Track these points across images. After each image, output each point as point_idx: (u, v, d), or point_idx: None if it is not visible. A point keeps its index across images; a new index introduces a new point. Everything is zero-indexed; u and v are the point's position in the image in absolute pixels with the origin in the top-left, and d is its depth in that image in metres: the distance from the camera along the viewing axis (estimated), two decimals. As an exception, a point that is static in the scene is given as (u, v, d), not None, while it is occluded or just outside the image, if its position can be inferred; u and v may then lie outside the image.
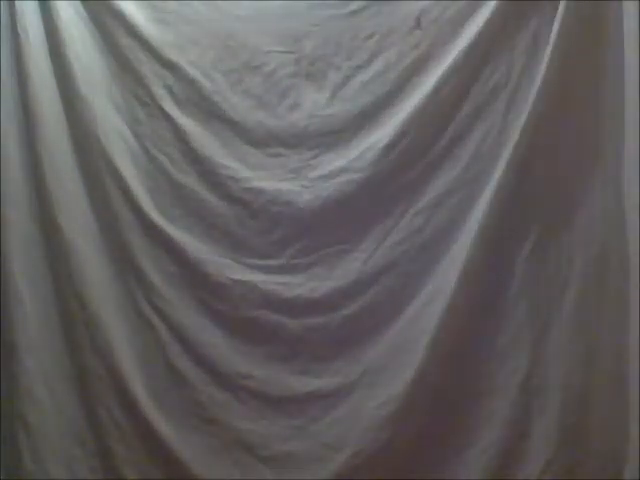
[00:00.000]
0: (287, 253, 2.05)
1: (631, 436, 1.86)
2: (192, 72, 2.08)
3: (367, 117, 2.03)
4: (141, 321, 2.07)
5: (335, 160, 2.04)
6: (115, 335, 2.05)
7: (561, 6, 1.89)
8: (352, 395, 1.99)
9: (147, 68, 2.09)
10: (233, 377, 2.04)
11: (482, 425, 1.93)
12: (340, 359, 2.02)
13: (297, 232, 2.05)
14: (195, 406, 2.04)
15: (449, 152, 1.99)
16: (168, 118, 2.09)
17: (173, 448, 2.00)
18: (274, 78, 2.08)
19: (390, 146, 2.00)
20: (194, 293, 2.07)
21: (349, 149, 2.03)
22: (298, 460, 2.00)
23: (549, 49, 1.89)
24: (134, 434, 2.03)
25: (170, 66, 2.09)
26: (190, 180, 2.09)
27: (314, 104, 2.06)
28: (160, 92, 2.09)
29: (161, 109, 2.09)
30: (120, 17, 2.08)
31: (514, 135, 1.91)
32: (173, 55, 2.09)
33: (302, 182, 2.05)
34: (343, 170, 2.03)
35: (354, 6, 2.04)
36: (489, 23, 1.94)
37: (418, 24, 2.01)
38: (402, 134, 1.99)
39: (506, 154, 1.92)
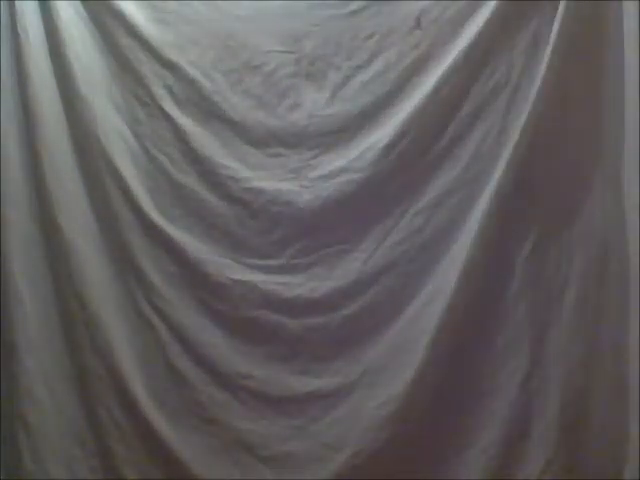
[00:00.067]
0: (287, 253, 2.05)
1: (631, 436, 1.86)
2: (192, 72, 2.08)
3: (367, 117, 2.03)
4: (141, 321, 2.07)
5: (335, 160, 2.04)
6: (115, 335, 2.05)
7: (561, 6, 1.89)
8: (352, 395, 1.99)
9: (147, 68, 2.09)
10: (233, 377, 2.04)
11: (482, 425, 1.93)
12: (340, 359, 2.02)
13: (297, 232, 2.05)
14: (195, 406, 2.04)
15: (449, 152, 1.99)
16: (168, 118, 2.09)
17: (173, 448, 2.00)
18: (274, 78, 2.08)
19: (390, 146, 2.00)
20: (194, 293, 2.07)
21: (349, 149, 2.03)
22: (298, 460, 2.00)
23: (549, 49, 1.89)
24: (134, 434, 2.03)
25: (170, 66, 2.09)
26: (190, 180, 2.09)
27: (314, 104, 2.06)
28: (160, 92, 2.09)
29: (161, 109, 2.09)
30: (120, 17, 2.08)
31: (514, 135, 1.91)
32: (173, 55, 2.09)
33: (302, 182, 2.05)
34: (343, 170, 2.03)
35: (354, 6, 2.04)
36: (489, 23, 1.94)
37: (418, 24, 2.01)
38: (402, 134, 1.99)
39: (506, 154, 1.92)
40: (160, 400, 2.04)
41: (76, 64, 2.06)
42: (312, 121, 2.06)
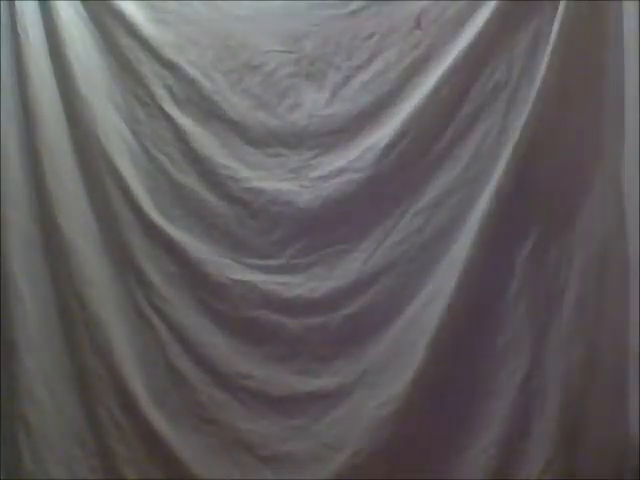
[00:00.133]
0: (287, 253, 2.05)
1: (631, 436, 1.86)
2: (192, 72, 2.08)
3: (367, 117, 2.03)
4: (141, 321, 2.07)
5: (335, 160, 2.04)
6: (115, 335, 2.05)
7: (561, 6, 1.89)
8: (352, 395, 1.99)
9: (147, 68, 2.09)
10: (233, 377, 2.04)
11: (482, 425, 1.93)
12: (340, 359, 2.02)
13: (297, 232, 2.05)
14: (195, 406, 2.04)
15: (449, 152, 1.99)
16: (168, 118, 2.09)
17: (173, 448, 2.00)
18: (274, 78, 2.08)
19: (390, 146, 2.00)
20: (194, 293, 2.07)
21: (349, 149, 2.03)
22: (298, 460, 2.00)
23: (549, 49, 1.89)
24: (134, 434, 2.03)
25: (170, 66, 2.09)
26: (190, 180, 2.09)
27: (314, 104, 2.06)
28: (160, 92, 2.09)
29: (161, 109, 2.09)
30: (120, 17, 2.08)
31: (514, 135, 1.92)
32: (173, 55, 2.09)
33: (302, 182, 2.05)
34: (343, 170, 2.03)
35: (354, 6, 2.04)
36: (489, 23, 1.94)
37: (418, 24, 2.01)
38: (402, 134, 1.99)
39: (506, 154, 1.92)
40: (160, 400, 2.04)
41: (76, 64, 2.06)
42: (312, 121, 2.06)
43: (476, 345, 1.95)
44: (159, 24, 2.09)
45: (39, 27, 2.05)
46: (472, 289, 1.92)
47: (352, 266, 2.02)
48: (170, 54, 2.09)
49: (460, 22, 1.97)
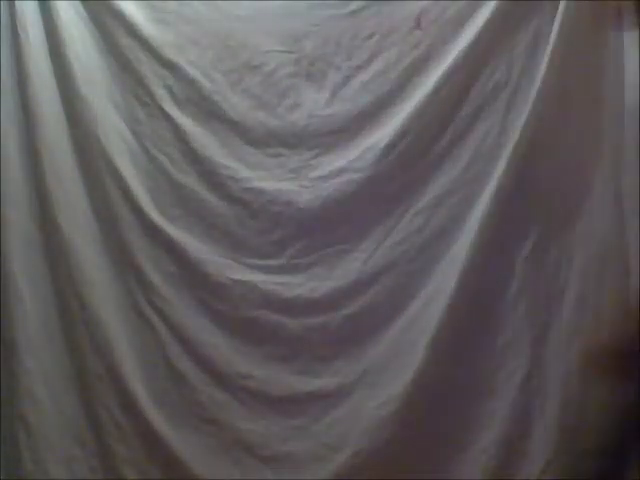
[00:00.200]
0: (287, 253, 2.05)
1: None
2: (192, 72, 2.08)
3: (367, 117, 2.03)
4: (141, 321, 2.07)
5: (335, 160, 2.04)
6: (115, 335, 2.05)
7: (561, 6, 1.89)
8: (352, 395, 1.99)
9: (147, 68, 2.09)
10: (233, 377, 2.04)
11: (482, 425, 1.93)
12: (340, 359, 2.02)
13: (297, 232, 2.05)
14: (195, 406, 2.04)
15: (449, 152, 1.99)
16: (168, 118, 2.08)
17: (173, 448, 2.00)
18: (274, 78, 2.08)
19: (390, 146, 2.00)
20: (194, 293, 2.07)
21: (349, 149, 2.03)
22: (298, 460, 2.00)
23: (549, 49, 1.89)
24: (134, 434, 2.03)
25: (170, 66, 2.08)
26: (190, 180, 2.09)
27: (314, 104, 2.06)
28: (160, 92, 2.09)
29: (161, 109, 2.09)
30: (120, 17, 2.08)
31: (514, 135, 1.92)
32: (173, 55, 2.09)
33: (302, 182, 2.05)
34: (343, 170, 2.03)
35: (354, 6, 2.04)
36: (489, 23, 1.94)
37: (418, 24, 2.01)
38: (402, 134, 1.99)
39: (506, 154, 1.92)
40: (160, 400, 2.04)
41: (76, 64, 2.06)
42: (312, 121, 2.06)
43: (476, 345, 1.95)
44: (159, 24, 2.09)
45: (39, 27, 2.05)
46: (472, 289, 1.93)
47: (352, 266, 2.02)
48: (170, 54, 2.09)
49: (460, 22, 1.97)
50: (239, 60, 2.09)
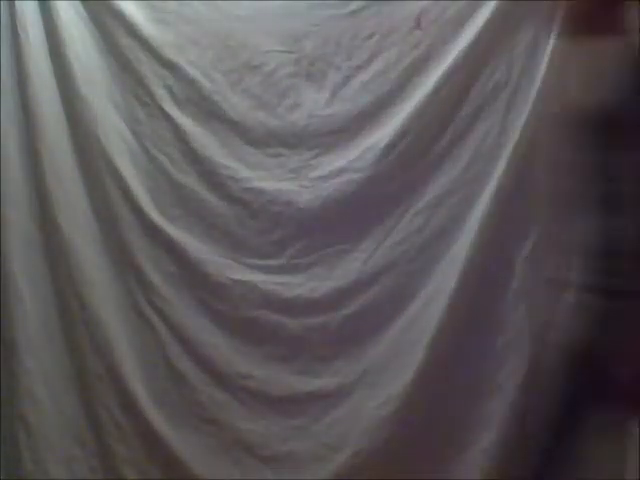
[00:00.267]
0: (287, 253, 2.05)
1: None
2: (192, 72, 2.08)
3: (367, 117, 2.03)
4: (141, 321, 2.07)
5: (335, 160, 2.04)
6: (115, 335, 2.05)
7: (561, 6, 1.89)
8: (352, 395, 2.00)
9: (147, 68, 2.09)
10: (233, 377, 2.04)
11: (482, 425, 1.93)
12: (340, 359, 2.02)
13: (297, 232, 2.05)
14: (195, 406, 2.04)
15: (449, 152, 1.99)
16: (168, 118, 2.09)
17: (173, 448, 2.01)
18: (274, 78, 2.08)
19: (390, 146, 2.00)
20: (194, 293, 2.07)
21: (349, 149, 2.03)
22: (298, 460, 2.00)
23: (549, 49, 1.89)
24: (134, 434, 2.03)
25: (170, 66, 2.09)
26: (190, 180, 2.09)
27: (314, 104, 2.06)
28: (160, 92, 2.09)
29: (161, 109, 2.09)
30: (120, 17, 2.08)
31: (514, 135, 1.92)
32: (173, 55, 2.09)
33: (302, 182, 2.05)
34: (343, 170, 2.03)
35: (354, 6, 2.04)
36: (489, 23, 1.94)
37: (418, 24, 2.01)
38: (402, 134, 1.99)
39: (506, 154, 1.92)
40: (160, 400, 2.04)
41: (76, 64, 2.06)
42: (312, 121, 2.06)
43: (476, 345, 1.95)
44: (159, 24, 2.09)
45: (39, 27, 2.06)
46: (472, 289, 1.92)
47: (352, 266, 2.02)
48: (170, 54, 2.09)
49: (460, 22, 1.97)
50: (239, 60, 2.09)
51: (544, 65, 1.89)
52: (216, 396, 2.04)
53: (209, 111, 2.09)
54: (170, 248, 2.07)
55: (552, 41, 1.89)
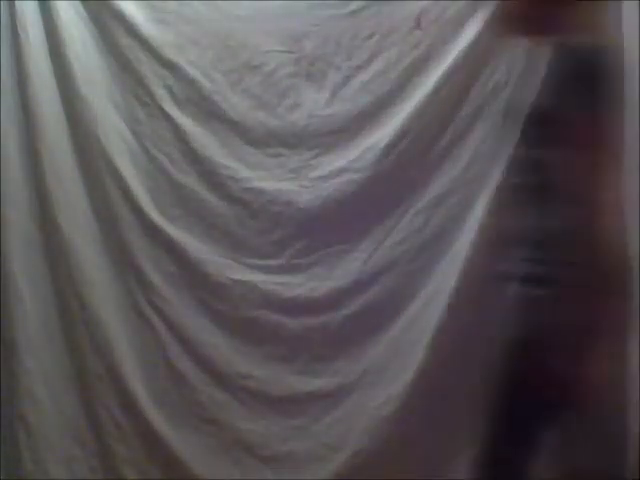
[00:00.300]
0: (287, 253, 2.05)
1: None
2: (192, 72, 2.08)
3: (367, 117, 2.03)
4: (141, 321, 2.07)
5: (335, 160, 2.04)
6: (115, 335, 2.05)
7: (561, 6, 1.89)
8: (352, 395, 2.00)
9: (147, 68, 2.09)
10: (233, 377, 2.04)
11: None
12: (340, 359, 2.02)
13: (297, 232, 2.05)
14: (195, 406, 2.04)
15: (449, 152, 1.99)
16: (168, 118, 2.09)
17: (173, 448, 2.01)
18: (274, 78, 2.08)
19: (390, 146, 2.00)
20: (194, 293, 2.07)
21: (349, 149, 2.03)
22: (298, 460, 2.00)
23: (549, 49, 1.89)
24: (134, 434, 2.03)
25: (170, 66, 2.08)
26: (190, 180, 2.09)
27: (314, 104, 2.06)
28: (160, 92, 2.09)
29: (161, 109, 2.09)
30: (120, 17, 2.08)
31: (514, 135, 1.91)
32: (173, 55, 2.09)
33: (302, 182, 2.05)
34: (343, 170, 2.03)
35: (354, 6, 2.04)
36: (489, 23, 1.94)
37: (418, 24, 2.01)
38: (402, 134, 1.99)
39: (506, 154, 1.92)
40: (160, 400, 2.04)
41: (76, 64, 2.06)
42: (312, 121, 2.06)
43: (476, 345, 1.94)
44: (159, 24, 2.09)
45: (39, 27, 2.06)
46: (472, 289, 1.92)
47: (352, 266, 2.02)
48: (170, 54, 2.09)
49: (460, 22, 1.97)
50: (239, 60, 2.09)
51: (544, 65, 1.89)
52: (216, 396, 2.04)
53: (209, 111, 2.09)
54: (170, 248, 2.07)
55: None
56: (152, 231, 2.07)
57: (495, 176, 1.92)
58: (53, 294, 2.08)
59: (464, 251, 1.92)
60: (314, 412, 2.01)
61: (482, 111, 1.97)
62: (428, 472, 1.95)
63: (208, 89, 2.08)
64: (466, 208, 1.96)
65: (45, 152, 2.05)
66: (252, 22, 2.09)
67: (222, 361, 2.04)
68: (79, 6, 2.09)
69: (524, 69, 1.94)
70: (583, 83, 1.30)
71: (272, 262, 2.06)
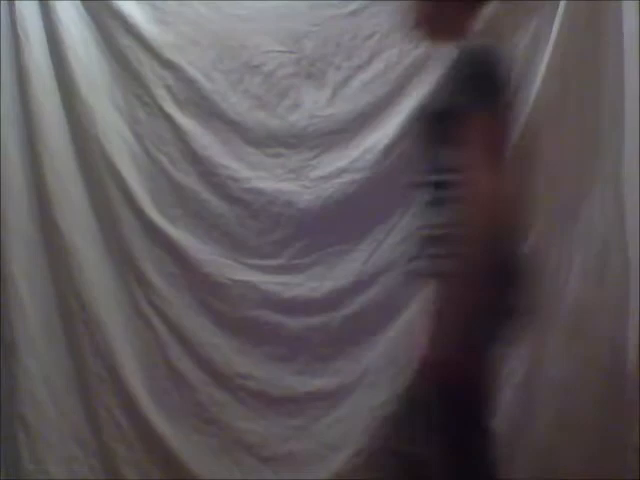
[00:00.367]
0: (287, 253, 2.05)
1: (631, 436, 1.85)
2: (192, 72, 2.08)
3: (367, 117, 2.03)
4: (141, 321, 2.07)
5: (335, 160, 2.04)
6: (115, 335, 2.05)
7: (561, 6, 1.89)
8: (352, 395, 1.99)
9: (147, 68, 2.09)
10: (233, 377, 2.04)
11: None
12: (340, 359, 2.02)
13: (297, 232, 2.05)
14: (195, 406, 2.04)
15: (449, 152, 1.99)
16: (168, 118, 2.09)
17: (173, 448, 2.01)
18: (274, 78, 2.08)
19: (390, 146, 2.00)
20: (194, 293, 2.07)
21: (349, 149, 2.04)
22: (298, 460, 2.00)
23: (549, 49, 1.89)
24: (134, 434, 2.03)
25: (170, 66, 2.09)
26: (190, 180, 2.09)
27: (314, 104, 2.06)
28: (160, 92, 2.09)
29: (161, 109, 2.09)
30: (120, 17, 2.08)
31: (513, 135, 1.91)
32: (173, 55, 2.09)
33: (302, 182, 2.05)
34: (343, 170, 2.03)
35: (354, 6, 2.04)
36: (489, 23, 1.94)
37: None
38: (402, 134, 1.99)
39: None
40: (160, 400, 2.04)
41: (76, 64, 2.06)
42: (312, 121, 2.06)
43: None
44: (159, 24, 2.10)
45: (39, 27, 2.06)
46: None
47: (352, 266, 2.02)
48: (170, 54, 2.09)
49: (460, 22, 1.97)
50: (239, 60, 2.09)
51: (544, 65, 1.89)
52: (216, 396, 2.04)
53: (209, 111, 2.09)
54: (170, 248, 2.07)
55: (552, 41, 1.89)
56: (152, 231, 2.08)
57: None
58: (53, 294, 2.08)
59: (464, 251, 1.92)
60: (314, 412, 2.01)
61: (482, 111, 1.97)
62: (428, 472, 1.95)
63: (208, 89, 2.08)
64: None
65: (45, 152, 2.05)
66: (252, 22, 2.09)
67: (222, 361, 2.04)
68: (79, 6, 2.09)
69: (524, 69, 1.94)
70: (471, 82, 1.34)
71: (272, 262, 2.06)
